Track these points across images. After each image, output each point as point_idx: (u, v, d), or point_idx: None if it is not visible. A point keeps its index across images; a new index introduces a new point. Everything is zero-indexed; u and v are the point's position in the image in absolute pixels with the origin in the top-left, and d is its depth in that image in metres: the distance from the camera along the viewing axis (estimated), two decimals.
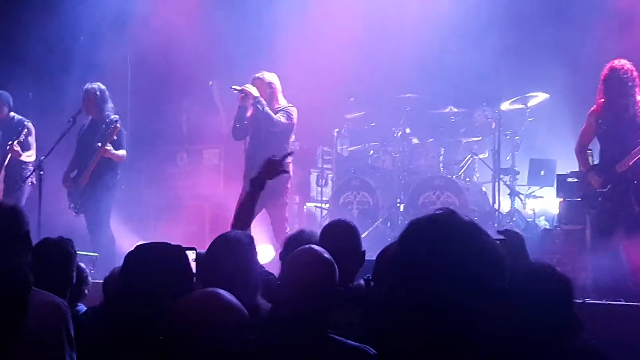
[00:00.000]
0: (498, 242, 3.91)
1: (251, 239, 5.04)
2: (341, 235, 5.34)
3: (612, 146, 8.78)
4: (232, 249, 4.86)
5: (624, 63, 8.66)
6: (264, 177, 6.16)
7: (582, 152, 9.07)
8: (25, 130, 11.52)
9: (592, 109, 8.96)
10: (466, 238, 2.50)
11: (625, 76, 8.61)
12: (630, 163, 8.54)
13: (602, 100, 8.80)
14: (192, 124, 13.62)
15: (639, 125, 8.56)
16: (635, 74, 8.64)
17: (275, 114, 10.07)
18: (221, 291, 2.94)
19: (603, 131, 8.84)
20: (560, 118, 11.71)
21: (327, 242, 5.05)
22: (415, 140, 12.33)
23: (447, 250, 2.47)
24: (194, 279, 3.96)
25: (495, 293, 2.48)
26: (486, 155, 12.05)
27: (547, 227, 11.07)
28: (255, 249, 5.04)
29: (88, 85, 10.87)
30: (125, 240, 10.90)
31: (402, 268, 2.53)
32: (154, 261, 3.68)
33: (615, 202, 8.68)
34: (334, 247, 4.56)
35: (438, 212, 2.63)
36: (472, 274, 2.44)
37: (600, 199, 8.78)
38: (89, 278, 6.47)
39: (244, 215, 5.93)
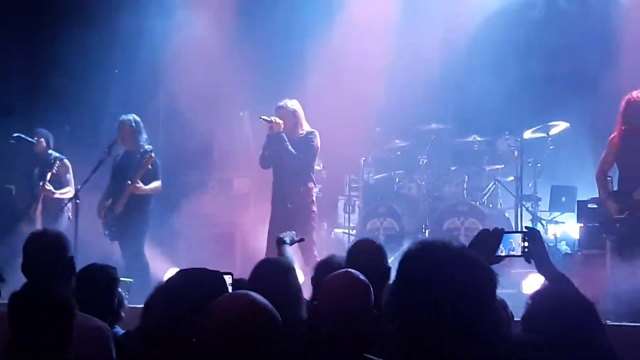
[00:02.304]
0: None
1: (291, 263, 5.24)
2: (366, 253, 5.42)
3: (630, 174, 8.82)
4: (278, 272, 5.04)
5: None
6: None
7: (602, 178, 9.10)
8: (58, 163, 11.68)
9: (611, 136, 9.02)
10: (457, 264, 2.53)
11: None
12: None
13: (621, 129, 8.85)
14: (223, 154, 13.73)
15: None
16: None
17: (299, 141, 10.25)
18: (252, 294, 2.99)
19: (621, 159, 8.89)
20: (581, 146, 11.78)
21: (355, 261, 5.14)
22: (439, 168, 12.39)
23: (440, 276, 2.50)
24: None
25: (490, 314, 2.52)
26: (509, 181, 12.09)
27: (569, 251, 11.11)
28: (295, 272, 5.22)
29: (123, 117, 10.99)
30: (159, 266, 10.99)
31: (401, 295, 2.58)
32: (195, 286, 3.76)
33: (633, 229, 8.71)
34: (361, 265, 4.62)
35: (434, 240, 2.70)
36: (465, 295, 2.48)
37: (617, 225, 8.83)
38: (125, 301, 6.57)
39: None
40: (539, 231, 4.39)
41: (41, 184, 11.56)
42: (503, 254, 4.10)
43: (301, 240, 7.57)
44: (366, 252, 5.36)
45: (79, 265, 5.39)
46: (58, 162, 11.69)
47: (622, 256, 8.71)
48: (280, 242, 6.88)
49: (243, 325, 2.84)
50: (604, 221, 9.10)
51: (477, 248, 3.85)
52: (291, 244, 7.06)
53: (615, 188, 9.02)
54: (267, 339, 2.87)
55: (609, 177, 9.10)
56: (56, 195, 11.60)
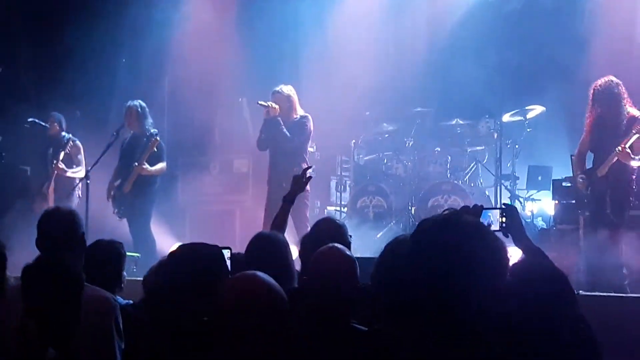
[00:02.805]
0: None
1: (284, 238, 5.22)
2: (328, 230, 5.38)
3: (600, 154, 8.83)
4: (272, 245, 5.02)
5: (609, 79, 8.71)
6: (294, 192, 6.48)
7: (578, 158, 9.11)
8: (71, 143, 11.62)
9: (587, 121, 9.01)
10: (473, 237, 2.45)
11: (609, 91, 8.65)
12: (607, 168, 8.60)
13: (593, 113, 8.86)
14: (223, 137, 13.71)
15: (622, 134, 8.59)
16: (620, 88, 8.65)
17: (293, 125, 10.24)
18: (259, 273, 2.99)
19: (593, 141, 8.90)
20: (556, 129, 11.77)
21: (318, 237, 5.08)
22: (424, 150, 12.37)
23: (456, 250, 2.41)
24: (229, 275, 4.03)
25: (499, 287, 2.46)
26: (489, 162, 12.09)
27: (544, 227, 11.11)
28: (287, 245, 5.19)
29: (130, 103, 10.98)
30: (164, 241, 11.01)
31: (416, 268, 2.48)
32: (195, 259, 3.75)
33: (596, 204, 8.74)
34: (323, 242, 4.57)
35: (445, 212, 2.60)
36: (481, 270, 2.41)
37: (585, 200, 8.87)
38: (124, 273, 6.51)
39: (279, 224, 6.20)
40: (516, 208, 4.38)
41: (55, 162, 11.51)
42: None
43: (309, 178, 7.04)
44: (328, 230, 5.35)
45: (89, 241, 5.35)
46: (71, 142, 11.64)
47: (592, 230, 8.74)
48: (286, 201, 6.44)
49: (250, 301, 2.84)
50: (576, 198, 9.12)
51: None
52: (303, 187, 6.71)
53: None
54: (271, 314, 2.86)
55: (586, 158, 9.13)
56: (68, 174, 11.54)
